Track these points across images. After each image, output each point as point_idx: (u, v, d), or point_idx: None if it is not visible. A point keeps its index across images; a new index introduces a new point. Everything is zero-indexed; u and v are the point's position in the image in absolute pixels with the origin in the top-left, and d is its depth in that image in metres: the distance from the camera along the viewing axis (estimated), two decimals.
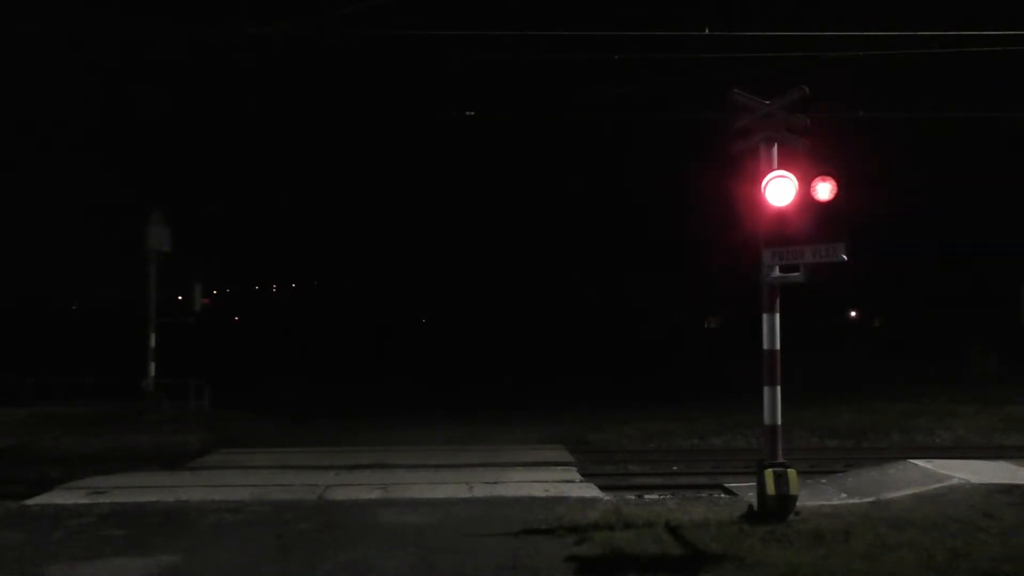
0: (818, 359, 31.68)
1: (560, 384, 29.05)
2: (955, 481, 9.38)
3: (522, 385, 29.33)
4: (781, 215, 8.00)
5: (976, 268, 49.95)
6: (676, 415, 18.14)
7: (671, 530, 7.66)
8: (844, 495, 9.67)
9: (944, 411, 17.71)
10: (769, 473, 8.02)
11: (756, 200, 8.17)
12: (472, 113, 15.94)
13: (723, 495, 10.16)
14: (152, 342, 20.72)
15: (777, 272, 8.24)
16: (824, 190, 7.82)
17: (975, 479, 9.44)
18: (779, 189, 7.99)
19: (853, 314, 68.59)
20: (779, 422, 8.34)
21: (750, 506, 8.37)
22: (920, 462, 10.67)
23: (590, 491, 9.85)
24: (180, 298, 24.36)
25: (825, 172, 7.84)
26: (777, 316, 8.37)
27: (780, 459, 8.21)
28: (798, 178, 7.94)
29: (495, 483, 10.20)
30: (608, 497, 9.52)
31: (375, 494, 9.62)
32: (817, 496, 9.57)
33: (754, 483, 8.39)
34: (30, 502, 9.33)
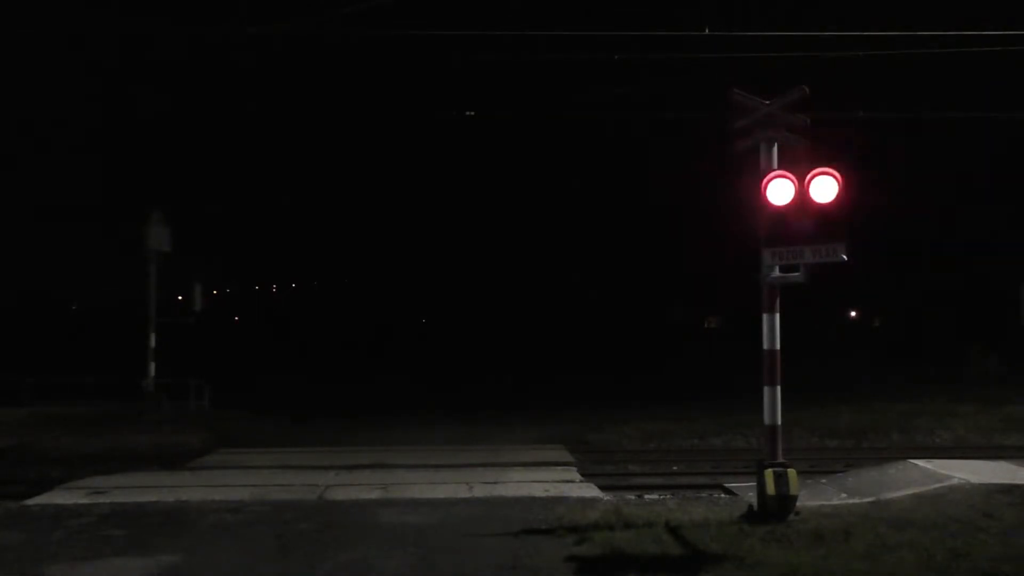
0: (818, 359, 31.72)
1: (560, 384, 29.05)
2: (955, 481, 9.38)
3: (522, 385, 29.32)
4: (781, 215, 8.00)
5: (976, 268, 49.95)
6: (676, 415, 18.14)
7: (671, 530, 7.66)
8: (844, 495, 9.67)
9: (944, 411, 17.71)
10: (769, 473, 8.02)
11: (756, 200, 8.17)
12: (472, 113, 15.96)
13: (723, 495, 10.16)
14: (152, 342, 20.74)
15: (777, 272, 8.24)
16: (824, 190, 7.82)
17: (975, 479, 9.44)
18: (779, 189, 7.99)
19: (853, 314, 68.65)
20: (779, 422, 8.34)
21: (750, 506, 8.37)
22: (920, 462, 10.67)
23: (590, 491, 9.85)
24: (180, 298, 24.37)
25: (825, 172, 7.84)
26: (777, 316, 8.37)
27: (780, 459, 8.21)
28: (798, 178, 7.94)
29: (495, 483, 10.20)
30: (608, 497, 9.52)
31: (375, 494, 9.62)
32: (817, 496, 9.57)
33: (754, 483, 8.39)
34: (30, 502, 9.33)
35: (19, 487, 10.81)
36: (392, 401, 23.96)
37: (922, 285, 55.26)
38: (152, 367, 20.52)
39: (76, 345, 38.87)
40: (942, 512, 8.20)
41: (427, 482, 10.35)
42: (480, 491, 9.70)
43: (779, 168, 8.24)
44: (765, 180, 8.08)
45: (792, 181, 7.94)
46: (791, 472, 8.06)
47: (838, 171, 7.82)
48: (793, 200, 7.93)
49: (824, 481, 10.80)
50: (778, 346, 8.35)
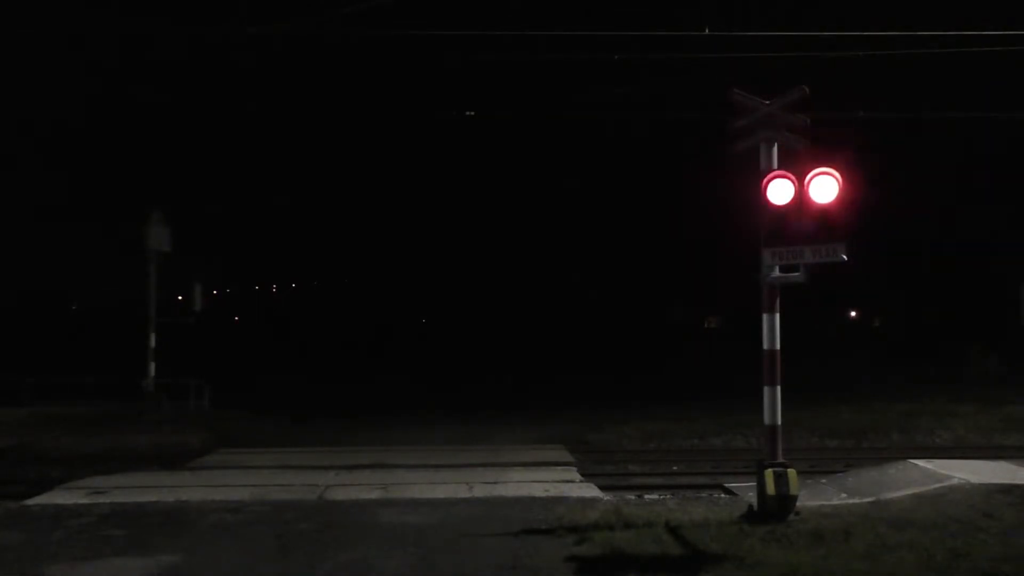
0: (818, 359, 31.72)
1: (560, 384, 29.05)
2: (955, 481, 9.38)
3: (522, 385, 29.32)
4: (781, 215, 8.00)
5: (976, 268, 49.93)
6: (676, 415, 18.14)
7: (671, 530, 7.66)
8: (844, 495, 9.67)
9: (944, 411, 17.71)
10: (769, 473, 8.02)
11: (756, 200, 8.17)
12: (472, 113, 15.98)
13: (723, 495, 10.16)
14: (152, 342, 20.73)
15: (777, 272, 8.25)
16: (824, 190, 7.82)
17: (975, 479, 9.44)
18: (779, 189, 7.99)
19: (853, 314, 68.66)
20: (779, 422, 8.34)
21: (750, 506, 8.37)
22: (920, 462, 10.67)
23: (590, 491, 9.85)
24: (180, 298, 24.36)
25: (825, 172, 7.84)
26: (777, 316, 8.37)
27: (780, 459, 8.21)
28: (798, 178, 7.95)
29: (495, 483, 10.20)
30: (608, 497, 9.52)
31: (375, 494, 9.62)
32: (817, 496, 9.57)
33: (754, 483, 8.39)
34: (30, 502, 9.33)
35: (19, 487, 10.81)
36: (392, 401, 23.96)
37: (922, 285, 55.27)
38: (152, 367, 20.51)
39: (76, 345, 38.87)
40: (942, 512, 8.20)
41: (427, 482, 10.35)
42: (480, 491, 9.70)
43: (779, 168, 8.24)
44: (765, 180, 8.08)
45: (792, 181, 7.95)
46: (791, 472, 8.06)
47: (838, 171, 7.82)
48: (793, 200, 7.94)
49: (824, 481, 10.80)
50: (778, 346, 8.35)
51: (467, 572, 6.55)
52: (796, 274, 8.14)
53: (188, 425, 17.73)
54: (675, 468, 13.11)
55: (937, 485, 9.35)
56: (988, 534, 7.33)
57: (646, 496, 10.03)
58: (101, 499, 9.37)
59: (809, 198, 7.87)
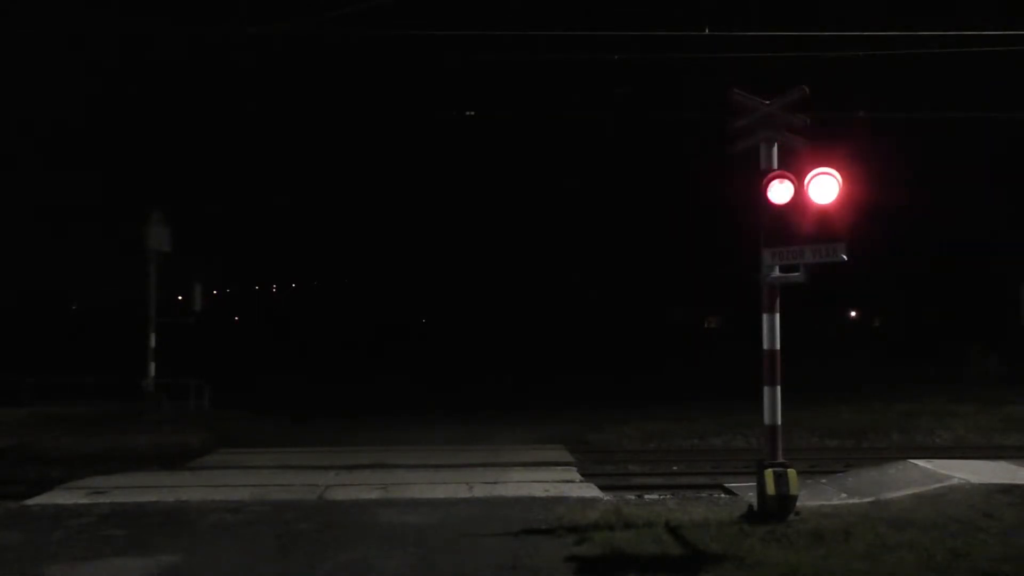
0: (818, 359, 31.71)
1: (560, 384, 29.05)
2: (955, 481, 9.38)
3: (522, 385, 29.32)
4: (781, 215, 8.00)
5: (976, 268, 49.91)
6: (676, 415, 18.14)
7: (671, 530, 7.66)
8: (844, 495, 9.67)
9: (944, 411, 17.71)
10: (769, 473, 8.02)
11: (756, 200, 8.17)
12: (472, 113, 16.00)
13: (723, 495, 10.16)
14: (152, 342, 20.74)
15: (777, 272, 8.25)
16: (824, 190, 7.83)
17: (975, 479, 9.45)
18: (779, 189, 8.00)
19: (853, 314, 68.64)
20: (779, 422, 8.35)
21: (750, 506, 8.37)
22: (920, 462, 10.67)
23: (590, 491, 9.86)
24: (180, 298, 24.37)
25: (825, 172, 7.85)
26: (777, 316, 8.38)
27: (780, 459, 8.22)
28: (798, 178, 7.95)
29: (495, 483, 10.21)
30: (608, 497, 9.52)
31: (375, 494, 9.62)
32: (817, 496, 9.57)
33: (754, 483, 8.39)
34: (30, 502, 9.34)
35: (19, 487, 10.81)
36: (392, 401, 23.96)
37: (922, 285, 55.25)
38: (152, 367, 20.52)
39: (76, 345, 38.85)
40: (942, 512, 8.20)
41: (427, 482, 10.35)
42: (480, 491, 9.70)
43: (779, 168, 8.24)
44: (765, 180, 8.08)
45: (792, 181, 7.95)
46: (791, 472, 8.06)
47: (838, 171, 7.83)
48: (793, 200, 7.94)
49: (824, 481, 10.80)
50: (778, 346, 8.35)
51: (467, 572, 6.56)
52: (796, 274, 8.14)
53: (188, 425, 17.73)
54: (675, 468, 13.12)
55: (937, 485, 9.35)
56: (988, 534, 7.34)
57: (646, 496, 10.03)
58: (101, 499, 9.37)
59: (809, 198, 7.88)
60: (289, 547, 7.30)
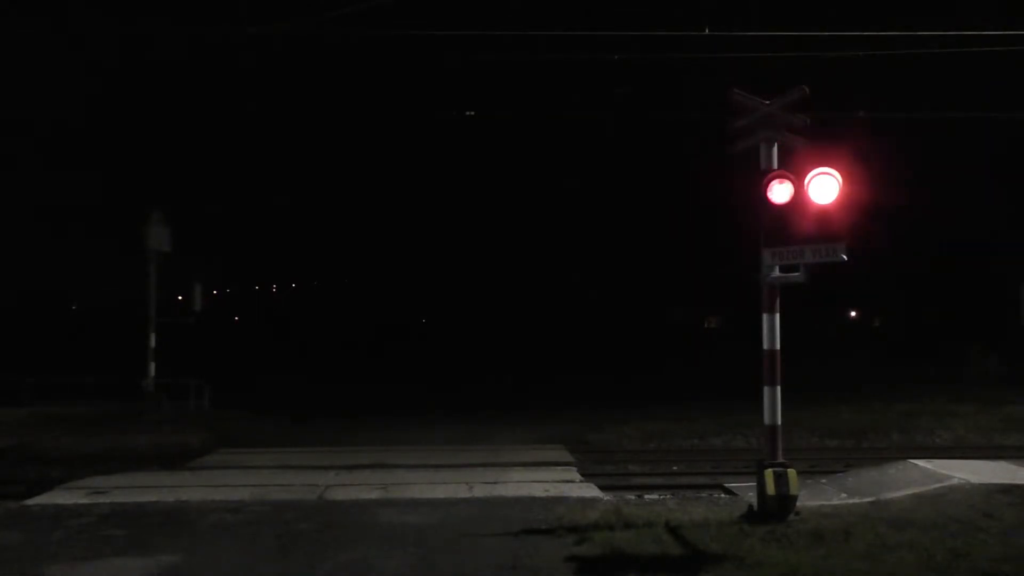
0: (818, 359, 31.71)
1: (560, 384, 29.05)
2: (955, 481, 9.38)
3: (522, 385, 29.32)
4: (781, 215, 8.00)
5: (976, 268, 49.90)
6: (676, 415, 18.14)
7: (671, 530, 7.66)
8: (844, 495, 9.67)
9: (944, 411, 17.71)
10: (769, 473, 8.02)
11: (756, 200, 8.17)
12: (472, 113, 16.01)
13: (723, 495, 10.16)
14: (152, 342, 20.74)
15: (777, 272, 8.25)
16: (824, 190, 7.83)
17: (975, 479, 9.45)
18: (779, 189, 8.00)
19: (853, 314, 68.65)
20: (779, 422, 8.35)
21: (750, 506, 8.37)
22: (920, 462, 10.68)
23: (590, 491, 9.85)
24: (180, 298, 24.36)
25: (825, 172, 7.85)
26: (777, 316, 8.38)
27: (780, 459, 8.22)
28: (798, 178, 7.95)
29: (495, 483, 10.21)
30: (608, 497, 9.52)
31: (375, 494, 9.62)
32: (817, 496, 9.57)
33: (754, 483, 8.39)
34: (30, 502, 9.34)
35: (19, 487, 10.82)
36: (392, 401, 23.96)
37: (922, 285, 55.24)
38: (152, 367, 20.52)
39: (76, 345, 38.85)
40: (942, 512, 8.21)
41: (427, 482, 10.35)
42: (480, 491, 9.70)
43: (779, 168, 8.24)
44: (765, 180, 8.08)
45: (792, 181, 7.95)
46: (791, 472, 8.06)
47: (838, 171, 7.83)
48: (793, 200, 7.94)
49: (824, 481, 10.80)
50: (778, 346, 8.35)
51: (467, 572, 6.56)
52: (796, 274, 8.14)
53: (188, 425, 17.73)
54: (675, 468, 13.12)
55: (937, 485, 9.35)
56: (988, 534, 7.34)
57: (646, 496, 10.03)
58: (101, 499, 9.37)
59: (809, 198, 7.88)
60: (289, 547, 7.30)
